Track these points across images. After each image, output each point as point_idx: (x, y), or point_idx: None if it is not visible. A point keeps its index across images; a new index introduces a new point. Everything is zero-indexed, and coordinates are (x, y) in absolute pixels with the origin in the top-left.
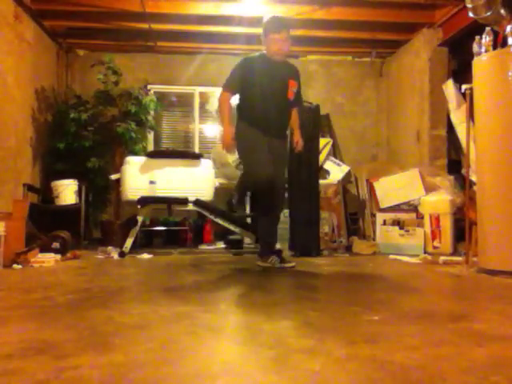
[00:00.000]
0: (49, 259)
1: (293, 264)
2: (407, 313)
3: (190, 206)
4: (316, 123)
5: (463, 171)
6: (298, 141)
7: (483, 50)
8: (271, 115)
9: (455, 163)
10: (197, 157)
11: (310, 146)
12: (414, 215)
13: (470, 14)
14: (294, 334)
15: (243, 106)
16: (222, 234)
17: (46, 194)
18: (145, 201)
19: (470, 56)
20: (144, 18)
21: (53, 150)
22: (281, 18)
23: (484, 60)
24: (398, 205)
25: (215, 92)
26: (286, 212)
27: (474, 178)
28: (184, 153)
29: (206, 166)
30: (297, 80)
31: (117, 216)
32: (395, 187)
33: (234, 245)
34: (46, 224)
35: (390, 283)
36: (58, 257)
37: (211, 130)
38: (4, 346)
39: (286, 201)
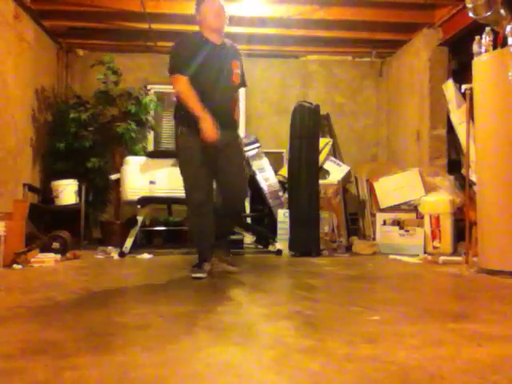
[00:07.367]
0: (49, 259)
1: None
2: (407, 313)
3: None
4: (316, 123)
5: (463, 171)
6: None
7: (483, 50)
8: (217, 106)
9: (455, 163)
10: None
11: (310, 146)
12: (414, 215)
13: (470, 14)
14: (294, 334)
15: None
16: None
17: (45, 194)
18: (145, 201)
19: (470, 56)
20: (144, 17)
21: (53, 150)
22: None
23: (484, 60)
24: (398, 205)
25: None
26: (286, 212)
27: (473, 177)
28: None
29: None
30: (239, 59)
31: (117, 216)
32: (395, 187)
33: (234, 245)
34: (46, 224)
35: (389, 283)
36: (58, 257)
37: None
38: (4, 345)
39: (286, 201)
